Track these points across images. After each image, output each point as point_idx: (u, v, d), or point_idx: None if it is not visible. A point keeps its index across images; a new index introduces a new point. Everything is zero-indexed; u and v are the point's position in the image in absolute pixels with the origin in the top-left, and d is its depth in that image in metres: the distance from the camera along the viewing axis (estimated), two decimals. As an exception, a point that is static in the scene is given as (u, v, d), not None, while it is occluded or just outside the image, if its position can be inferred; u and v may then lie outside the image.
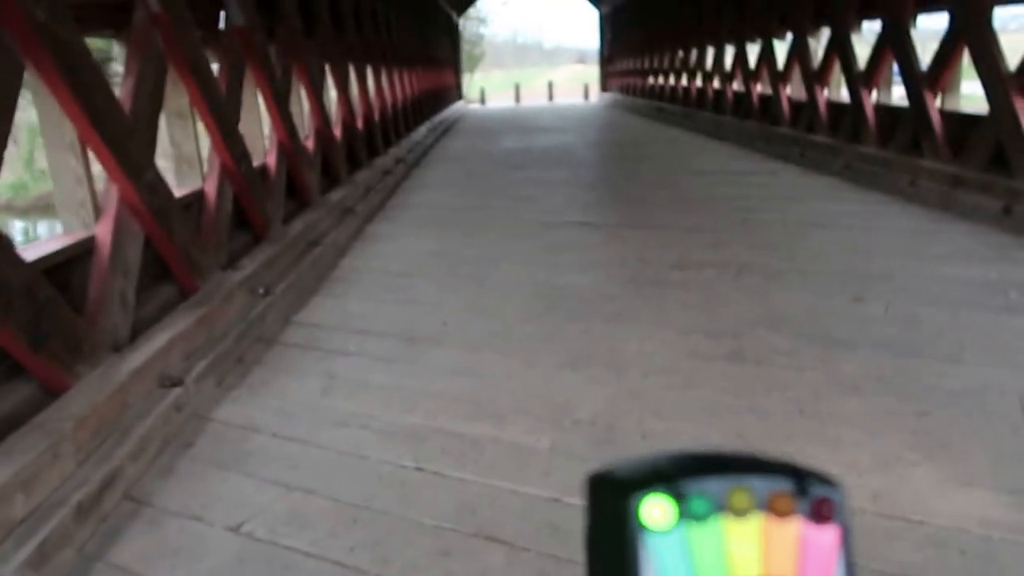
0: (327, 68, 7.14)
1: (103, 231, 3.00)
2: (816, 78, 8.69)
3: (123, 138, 3.01)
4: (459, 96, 23.99)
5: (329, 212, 5.88)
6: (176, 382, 2.87)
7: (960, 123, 6.23)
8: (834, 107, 8.43)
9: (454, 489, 2.33)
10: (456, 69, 23.93)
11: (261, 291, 4.00)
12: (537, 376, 3.13)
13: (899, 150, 6.82)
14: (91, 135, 2.83)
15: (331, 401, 3.00)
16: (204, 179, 4.21)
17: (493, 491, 2.29)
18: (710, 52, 12.86)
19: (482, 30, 49.32)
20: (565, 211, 6.46)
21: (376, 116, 9.49)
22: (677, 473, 0.34)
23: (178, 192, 4.02)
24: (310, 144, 6.40)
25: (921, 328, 3.42)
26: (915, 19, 7.01)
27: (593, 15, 26.74)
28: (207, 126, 4.12)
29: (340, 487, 2.36)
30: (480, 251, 5.24)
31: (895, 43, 7.02)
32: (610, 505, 0.34)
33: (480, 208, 6.88)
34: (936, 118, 6.36)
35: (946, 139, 6.22)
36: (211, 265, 3.82)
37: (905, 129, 6.81)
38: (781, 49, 10.05)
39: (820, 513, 0.34)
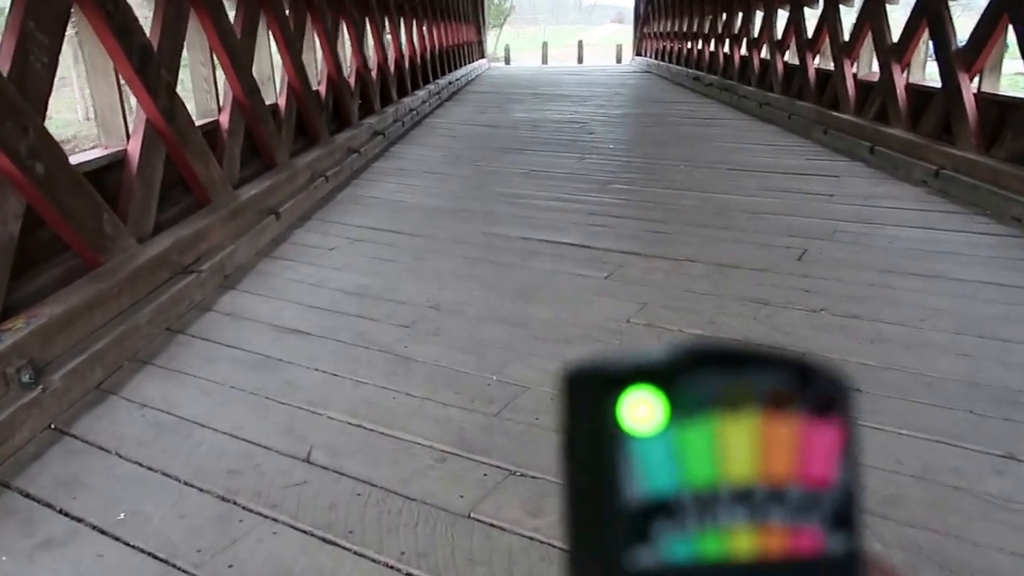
0: (262, 13, 5.54)
1: None
2: (893, 53, 6.90)
3: None
4: (481, 54, 22.10)
5: (233, 216, 4.33)
6: None
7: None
8: (917, 93, 6.65)
9: None
10: (479, 24, 21.97)
11: (26, 377, 2.50)
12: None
13: (1013, 159, 5.10)
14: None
15: None
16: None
17: None
18: (758, 16, 11.00)
19: (514, -18, 46.78)
20: (560, 225, 4.86)
21: (352, 78, 7.89)
22: (666, 366, 0.27)
23: None
24: (224, 119, 4.84)
25: None
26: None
27: (633, -31, 24.49)
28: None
29: None
30: (419, 292, 3.67)
31: (1013, 13, 5.25)
32: (587, 403, 0.27)
33: (450, 214, 5.29)
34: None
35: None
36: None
37: (1020, 131, 5.08)
38: (848, 16, 8.26)
39: (822, 407, 0.28)
